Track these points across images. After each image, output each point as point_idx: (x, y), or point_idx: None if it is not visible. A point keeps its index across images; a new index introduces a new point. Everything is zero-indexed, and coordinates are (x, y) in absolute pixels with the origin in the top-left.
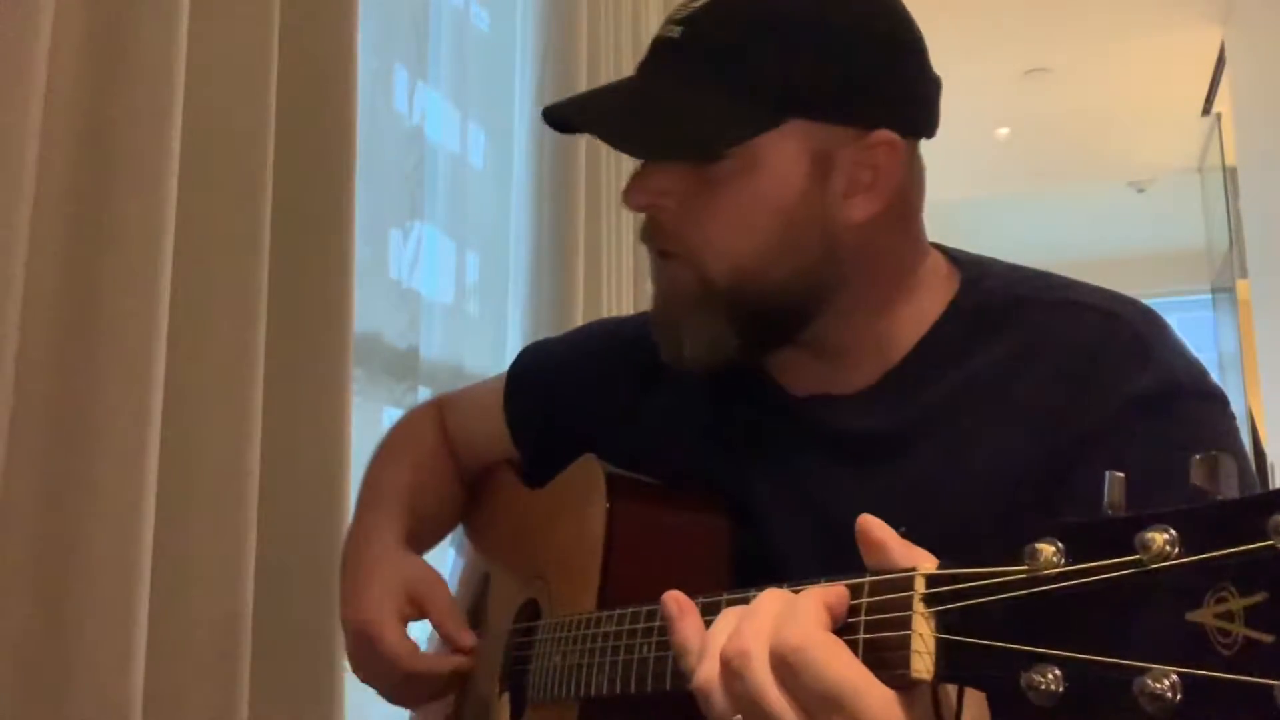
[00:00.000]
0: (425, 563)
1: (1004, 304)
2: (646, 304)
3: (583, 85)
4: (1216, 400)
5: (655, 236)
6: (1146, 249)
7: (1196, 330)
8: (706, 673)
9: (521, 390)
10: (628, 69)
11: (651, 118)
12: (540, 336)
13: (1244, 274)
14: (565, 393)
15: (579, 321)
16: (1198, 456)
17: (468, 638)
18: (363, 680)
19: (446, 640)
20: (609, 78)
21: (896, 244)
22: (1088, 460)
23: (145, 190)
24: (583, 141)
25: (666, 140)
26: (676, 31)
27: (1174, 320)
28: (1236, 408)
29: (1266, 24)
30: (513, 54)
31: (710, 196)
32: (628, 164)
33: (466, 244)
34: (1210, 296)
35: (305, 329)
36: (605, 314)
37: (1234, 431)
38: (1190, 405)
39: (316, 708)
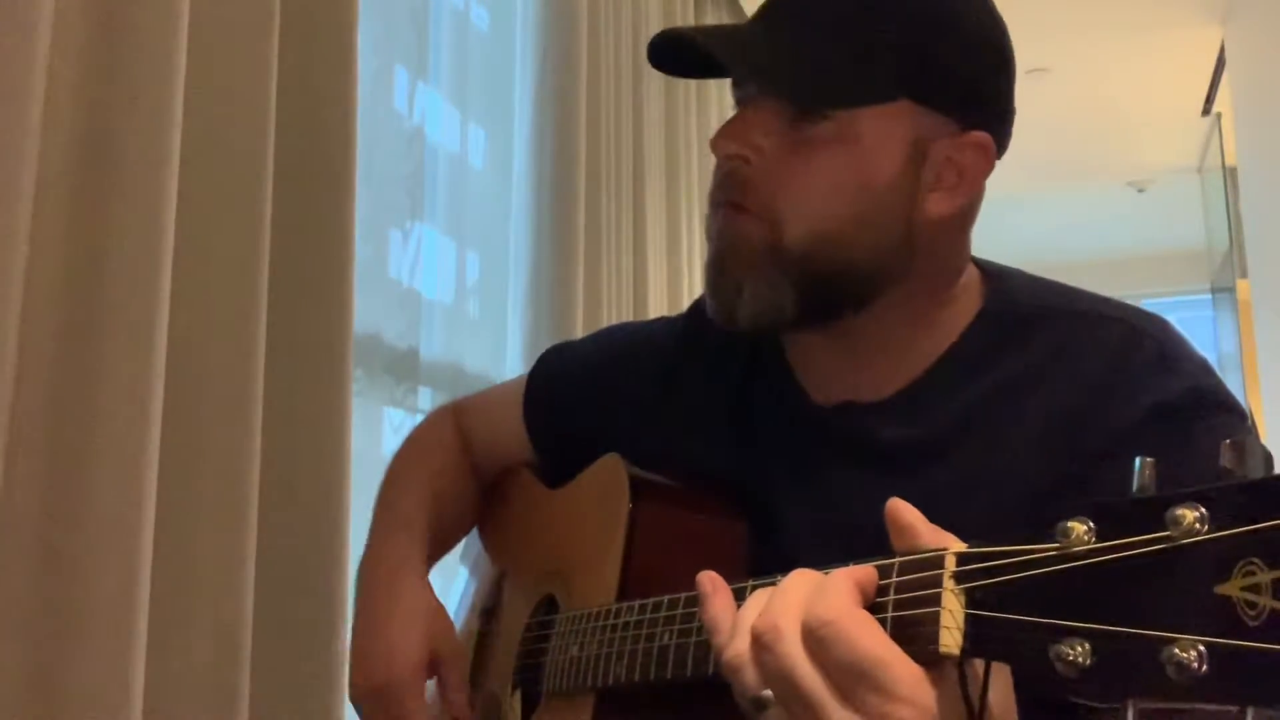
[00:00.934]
0: (449, 623)
1: (1029, 314)
2: (647, 304)
3: (582, 85)
4: (1236, 413)
5: (734, 188)
6: (1146, 249)
7: (1196, 330)
8: (737, 648)
9: (543, 392)
10: (627, 69)
11: (769, 54)
12: (540, 336)
13: (1244, 274)
14: (587, 395)
15: (579, 321)
16: (1227, 440)
17: (468, 716)
18: (357, 707)
19: (450, 713)
20: (609, 78)
21: (954, 250)
22: (1110, 467)
23: (145, 190)
24: (582, 141)
25: (786, 79)
26: None
27: (1174, 320)
28: None
29: (1266, 24)
30: (513, 54)
31: (804, 157)
32: (628, 164)
33: (466, 244)
34: (1210, 296)
35: (305, 329)
36: (605, 314)
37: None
38: (1212, 416)
39: (317, 709)
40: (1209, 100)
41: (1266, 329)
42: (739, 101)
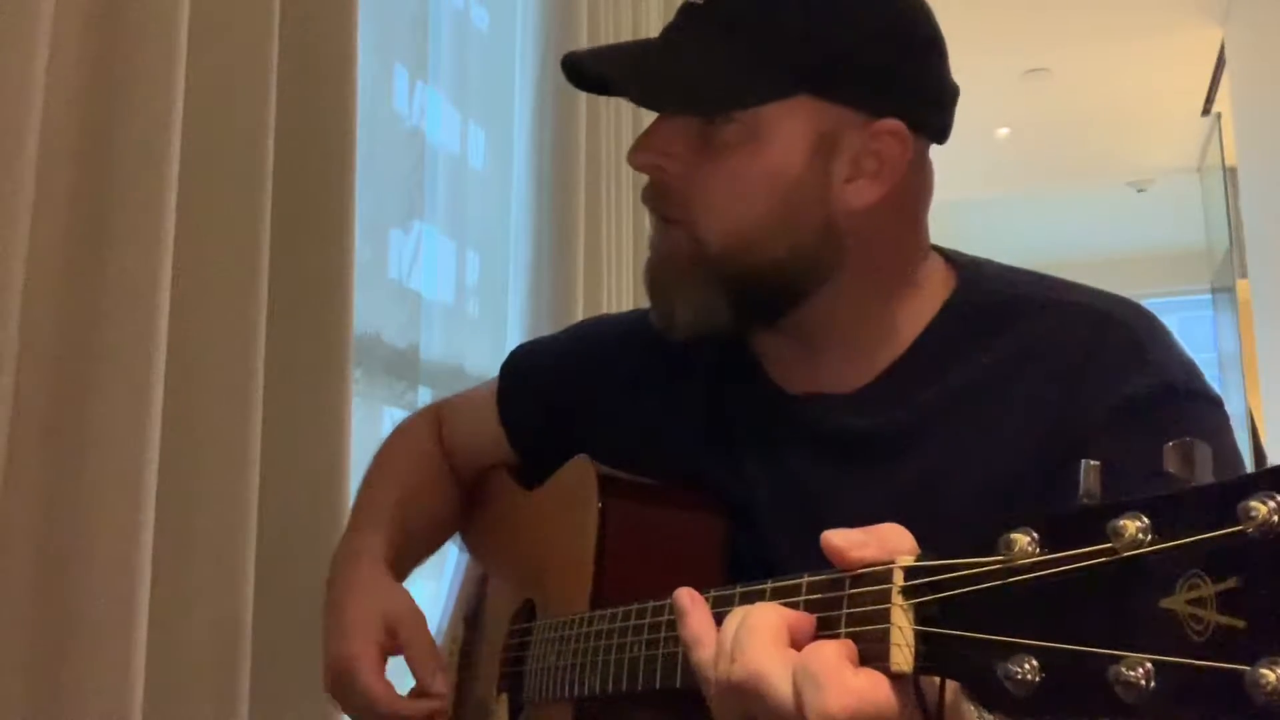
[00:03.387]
0: (406, 595)
1: (1000, 304)
2: (645, 303)
3: None
4: (1210, 401)
5: (656, 199)
6: (1146, 249)
7: (1196, 330)
8: (721, 675)
9: (515, 391)
10: None
11: (664, 71)
12: (541, 336)
13: (1244, 274)
14: (559, 392)
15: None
16: (1170, 443)
17: (440, 683)
18: (342, 711)
19: (420, 684)
20: None
21: (897, 239)
22: (1079, 461)
23: (145, 190)
24: (582, 142)
25: (675, 92)
26: None
27: (1174, 320)
28: (1236, 408)
29: (1266, 24)
30: (513, 54)
31: (713, 162)
32: (628, 166)
33: (466, 244)
34: (1210, 296)
35: (305, 329)
36: (606, 312)
37: (1227, 431)
38: (1184, 406)
39: (316, 709)
40: (1209, 100)
41: (1266, 329)
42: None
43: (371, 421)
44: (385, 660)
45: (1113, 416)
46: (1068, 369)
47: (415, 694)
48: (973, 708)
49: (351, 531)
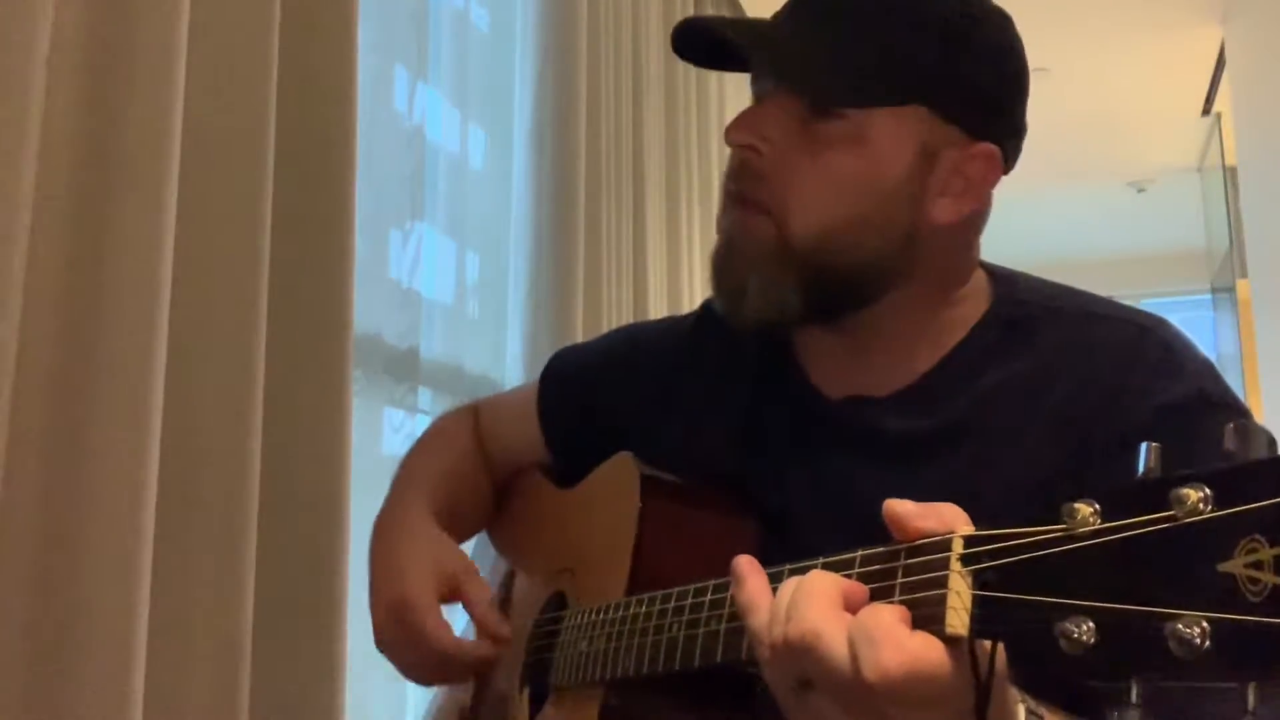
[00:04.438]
0: (457, 548)
1: (1038, 315)
2: (647, 304)
3: (582, 85)
4: (1241, 414)
5: (745, 179)
6: (1146, 249)
7: (1196, 330)
8: (776, 637)
9: (555, 393)
10: (627, 69)
11: (790, 49)
12: (540, 336)
13: (1244, 274)
14: (598, 395)
15: (579, 321)
16: (1231, 424)
17: (505, 628)
18: (388, 657)
19: (483, 629)
20: (609, 78)
21: (960, 255)
22: (1116, 467)
23: (145, 190)
24: (583, 142)
25: (805, 73)
26: None
27: (1174, 320)
28: None
29: (1266, 24)
30: (513, 54)
31: (814, 154)
32: (628, 164)
33: (466, 244)
34: (1210, 296)
35: (305, 329)
36: (605, 314)
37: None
38: (1217, 417)
39: (317, 709)
40: (1209, 100)
41: (1266, 329)
42: (757, 96)
43: (371, 422)
44: (440, 606)
45: (1149, 423)
46: (1105, 377)
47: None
48: (1015, 689)
49: (396, 494)
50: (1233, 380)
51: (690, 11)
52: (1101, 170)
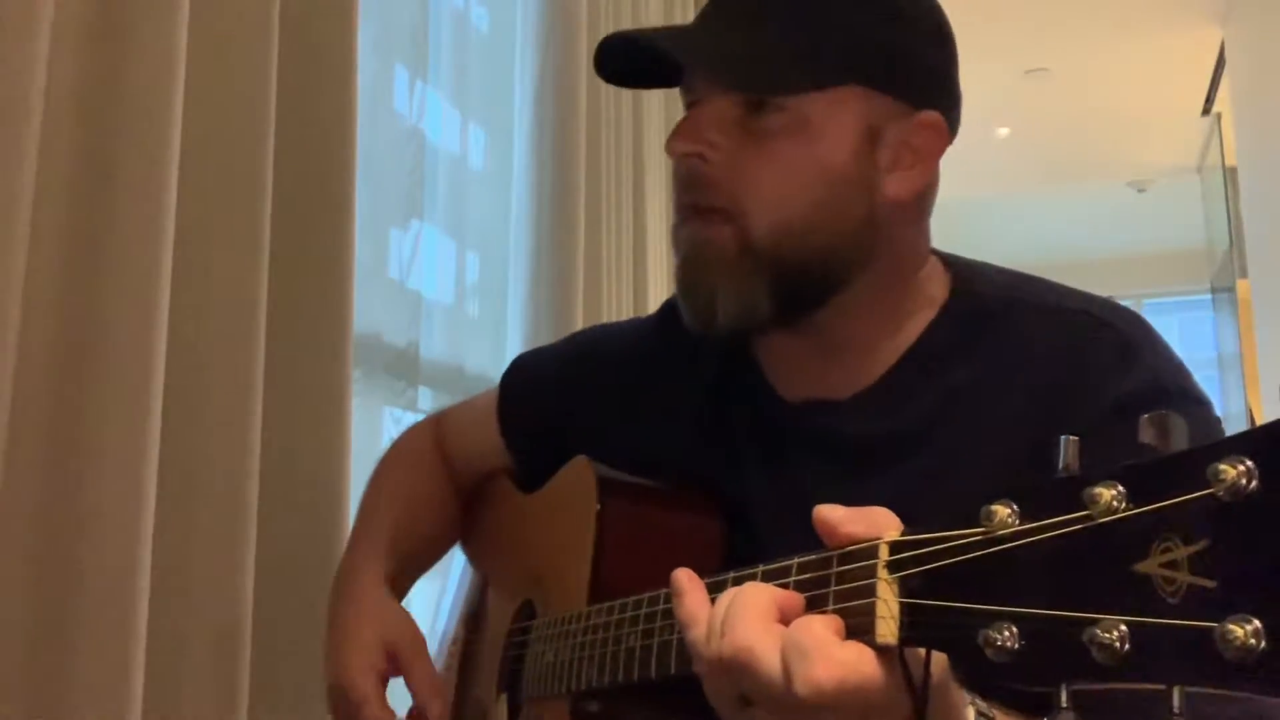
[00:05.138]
0: (407, 619)
1: (995, 309)
2: (647, 304)
3: (582, 86)
4: (1201, 404)
5: (696, 187)
6: (1146, 249)
7: (1196, 330)
8: (713, 653)
9: (514, 398)
10: None
11: (720, 49)
12: (540, 337)
13: (1244, 274)
14: (558, 399)
15: (579, 322)
16: (1145, 415)
17: (438, 708)
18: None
19: (420, 709)
20: None
21: (914, 236)
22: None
23: (145, 191)
24: (582, 141)
25: (730, 67)
26: None
27: (1174, 320)
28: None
29: (1266, 24)
30: (513, 54)
31: (760, 150)
32: (628, 166)
33: (466, 244)
34: (1210, 296)
35: (305, 329)
36: (605, 314)
37: (1216, 432)
38: (1174, 407)
39: (316, 709)
40: (1209, 100)
41: (1266, 329)
42: (689, 105)
43: (371, 421)
44: (385, 684)
45: (1104, 417)
46: (1062, 372)
47: (413, 717)
48: (963, 690)
49: (353, 548)
50: (1232, 380)
51: (690, 12)
52: (1101, 170)
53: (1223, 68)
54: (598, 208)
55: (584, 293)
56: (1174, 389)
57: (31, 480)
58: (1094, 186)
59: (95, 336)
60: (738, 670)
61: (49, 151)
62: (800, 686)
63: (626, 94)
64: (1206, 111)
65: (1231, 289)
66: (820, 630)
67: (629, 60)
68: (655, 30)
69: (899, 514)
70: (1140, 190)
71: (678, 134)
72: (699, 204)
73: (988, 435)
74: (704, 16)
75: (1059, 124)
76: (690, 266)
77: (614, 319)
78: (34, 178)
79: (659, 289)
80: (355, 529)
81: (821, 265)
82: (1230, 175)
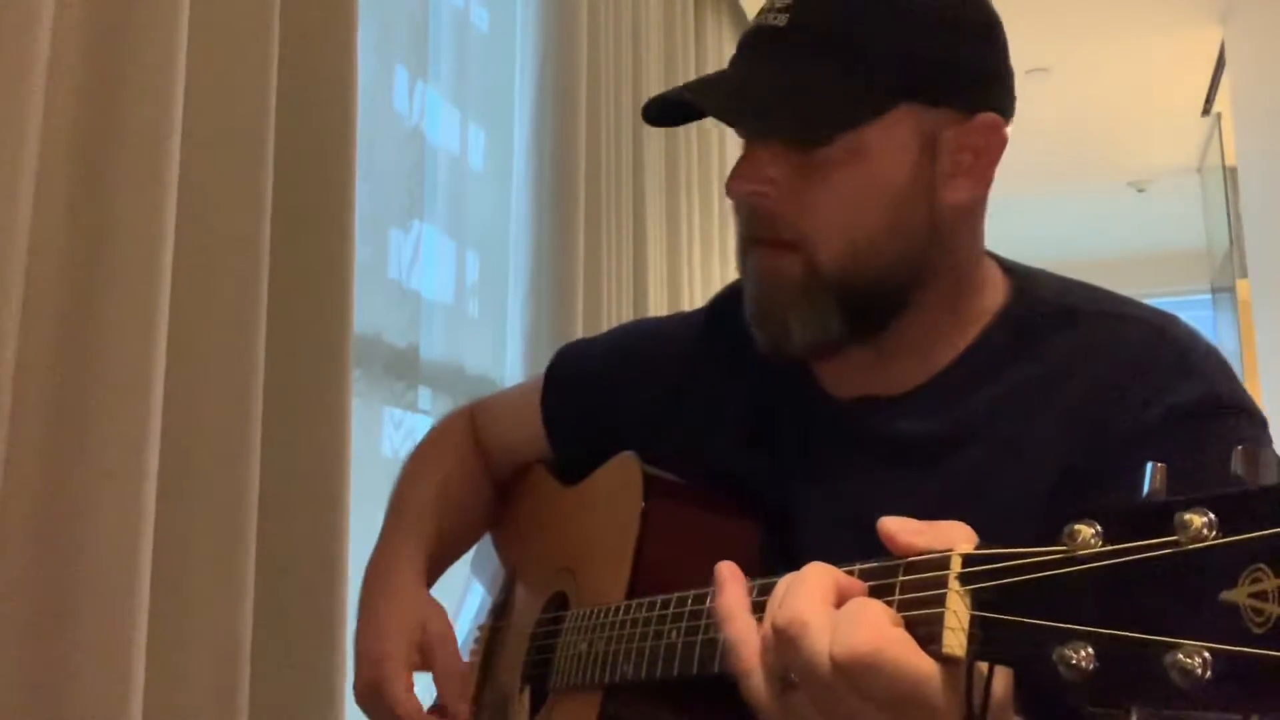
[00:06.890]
0: (441, 613)
1: (1054, 314)
2: (647, 304)
3: (583, 86)
4: (1254, 416)
5: (762, 225)
6: (1146, 249)
7: None
8: (751, 638)
9: (559, 388)
10: (628, 69)
11: (762, 99)
12: (540, 336)
13: (1244, 274)
14: (604, 391)
15: (579, 321)
16: (1240, 447)
17: (464, 709)
18: (365, 714)
19: (444, 707)
20: (609, 78)
21: (971, 238)
22: (1126, 465)
23: (145, 190)
24: (582, 141)
25: (780, 121)
26: (782, 20)
27: None
28: None
29: (1266, 24)
30: (513, 54)
31: (820, 182)
32: (627, 166)
33: (466, 244)
34: (1210, 296)
35: (305, 329)
36: (605, 314)
37: (1267, 446)
38: (1229, 419)
39: (317, 709)
40: (1209, 100)
41: (1266, 329)
42: (745, 139)
43: (371, 421)
44: (413, 674)
45: (1160, 423)
46: (1118, 378)
47: (437, 713)
48: (1019, 717)
49: (387, 539)
50: None
51: (690, 13)
52: (1101, 170)
53: (1223, 68)
54: (598, 208)
55: (584, 293)
56: (1228, 400)
57: (32, 480)
58: (1094, 186)
59: (95, 336)
60: (786, 642)
61: (49, 150)
62: (838, 648)
63: (626, 94)
64: (1206, 111)
65: (1231, 289)
66: (878, 608)
67: (672, 103)
68: (698, 85)
69: (947, 513)
70: (1140, 190)
71: (738, 175)
72: (764, 237)
73: (1040, 437)
74: (743, 52)
75: (1059, 124)
76: (761, 296)
77: (614, 318)
78: (34, 176)
79: (659, 289)
80: (388, 519)
81: (890, 284)
82: (1230, 175)
